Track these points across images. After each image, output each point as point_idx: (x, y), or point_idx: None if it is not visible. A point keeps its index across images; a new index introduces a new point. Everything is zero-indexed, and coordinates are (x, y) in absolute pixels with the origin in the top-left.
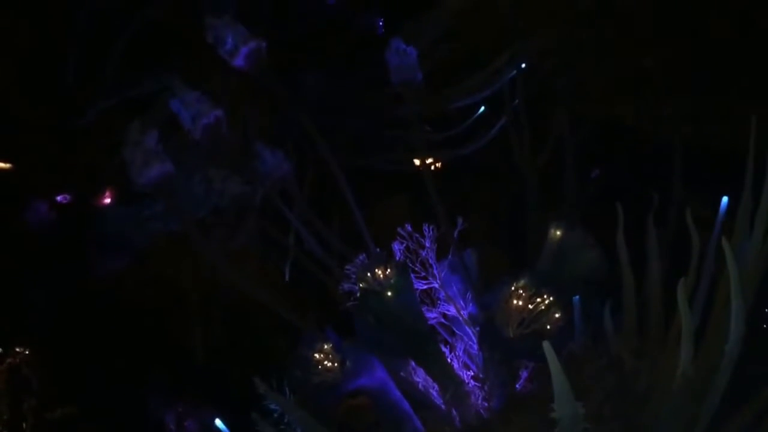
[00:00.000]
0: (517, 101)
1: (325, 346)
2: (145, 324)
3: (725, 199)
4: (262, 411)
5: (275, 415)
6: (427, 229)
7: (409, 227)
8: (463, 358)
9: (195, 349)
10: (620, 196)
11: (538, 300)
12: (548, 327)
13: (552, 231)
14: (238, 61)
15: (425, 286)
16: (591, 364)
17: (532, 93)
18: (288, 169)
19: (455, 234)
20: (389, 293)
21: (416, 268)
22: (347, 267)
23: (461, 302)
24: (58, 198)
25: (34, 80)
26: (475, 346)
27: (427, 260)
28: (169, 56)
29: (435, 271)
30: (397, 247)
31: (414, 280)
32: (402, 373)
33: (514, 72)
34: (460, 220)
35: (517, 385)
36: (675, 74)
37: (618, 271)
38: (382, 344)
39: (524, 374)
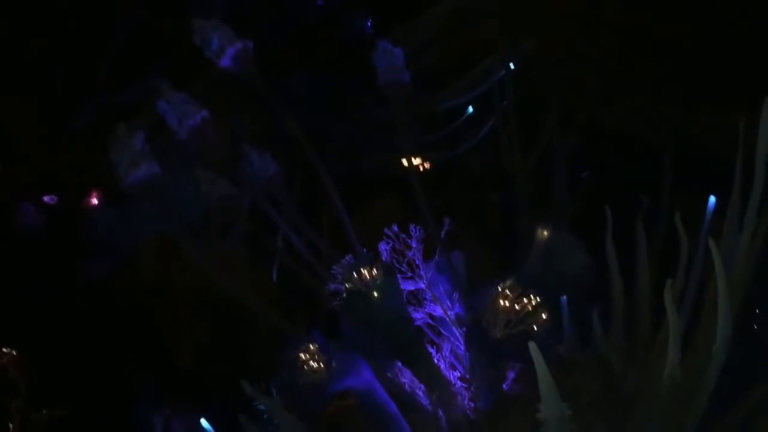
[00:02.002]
0: (505, 103)
1: (311, 347)
2: (133, 326)
3: (713, 198)
4: (250, 413)
5: (263, 416)
6: (413, 230)
7: (396, 228)
8: (449, 359)
9: (182, 351)
10: (609, 198)
11: (525, 301)
12: (535, 328)
13: (540, 232)
14: (225, 62)
15: (412, 287)
16: (578, 366)
17: (521, 95)
18: (275, 171)
19: (442, 235)
20: (375, 294)
21: (403, 269)
22: (333, 268)
23: (448, 303)
24: (46, 199)
25: (23, 83)
26: (462, 347)
27: (414, 261)
28: (157, 58)
29: (422, 272)
30: (383, 247)
31: (400, 281)
32: (388, 374)
33: (503, 73)
34: (447, 221)
35: (503, 386)
36: (665, 77)
37: (606, 273)
38: (368, 345)
39: (511, 375)
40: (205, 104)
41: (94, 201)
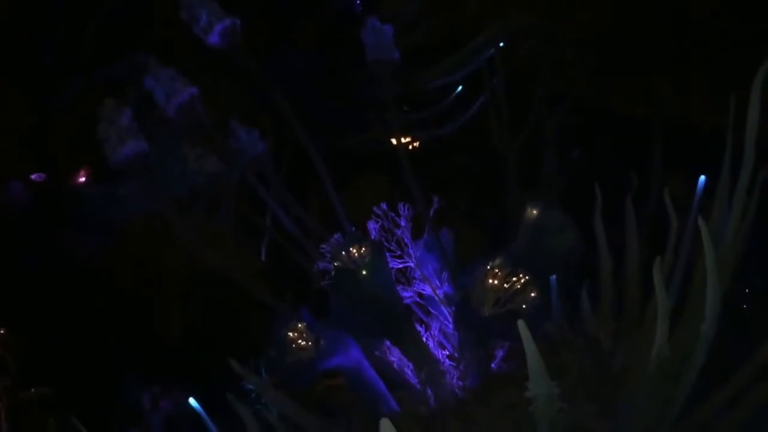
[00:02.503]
0: (495, 81)
1: (300, 326)
2: (121, 304)
3: (702, 178)
4: (239, 391)
5: (252, 395)
6: (402, 208)
7: (385, 206)
8: (438, 338)
9: (171, 329)
10: (599, 175)
11: (514, 279)
12: (524, 306)
13: (529, 210)
14: (213, 39)
15: (400, 266)
16: (567, 344)
17: (510, 72)
18: (263, 148)
19: (431, 213)
20: (364, 272)
21: (391, 247)
22: (322, 246)
23: (437, 281)
24: (33, 177)
25: (8, 58)
26: (451, 326)
27: (403, 239)
28: (144, 34)
29: (410, 250)
30: (372, 226)
31: (389, 259)
32: (377, 353)
33: (493, 51)
34: (436, 200)
35: (492, 365)
36: (656, 54)
37: (595, 251)
38: (356, 323)
39: (500, 354)
40: (193, 81)
41: (82, 178)
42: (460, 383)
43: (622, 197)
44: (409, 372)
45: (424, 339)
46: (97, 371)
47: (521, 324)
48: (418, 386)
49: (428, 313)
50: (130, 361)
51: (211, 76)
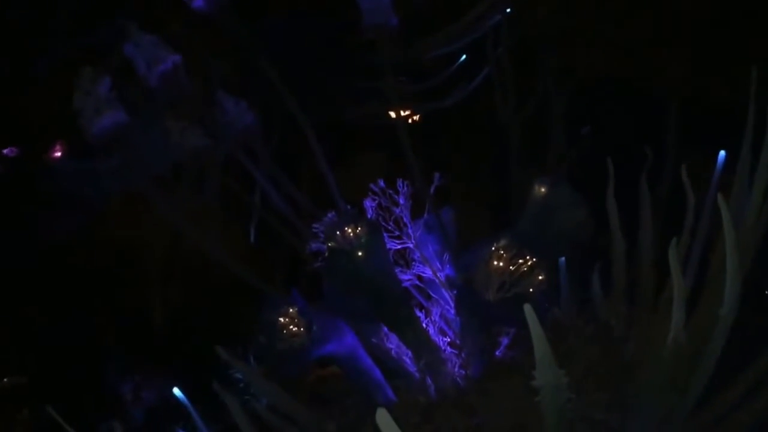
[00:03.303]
0: (501, 50)
1: (291, 310)
2: (100, 288)
3: (722, 153)
4: (225, 380)
5: (240, 384)
6: (401, 185)
7: (382, 183)
8: (439, 324)
9: (153, 314)
10: (611, 151)
11: (520, 261)
12: (530, 290)
13: (536, 188)
14: (198, 2)
15: (399, 246)
16: (576, 331)
17: (517, 41)
18: (252, 121)
19: (431, 190)
20: (359, 253)
21: (389, 227)
22: (315, 225)
23: (437, 264)
24: (5, 151)
25: None
26: (452, 311)
27: (401, 218)
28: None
29: (410, 230)
30: (368, 204)
31: (386, 240)
32: (373, 339)
33: (498, 18)
34: (436, 176)
35: (496, 353)
36: (672, 22)
37: (607, 231)
38: (351, 308)
39: (504, 341)
40: (177, 48)
41: (57, 153)
42: (462, 372)
43: (636, 174)
44: (408, 360)
45: (424, 325)
46: (75, 359)
47: (527, 308)
48: (417, 375)
49: (428, 298)
50: (110, 348)
51: (195, 42)
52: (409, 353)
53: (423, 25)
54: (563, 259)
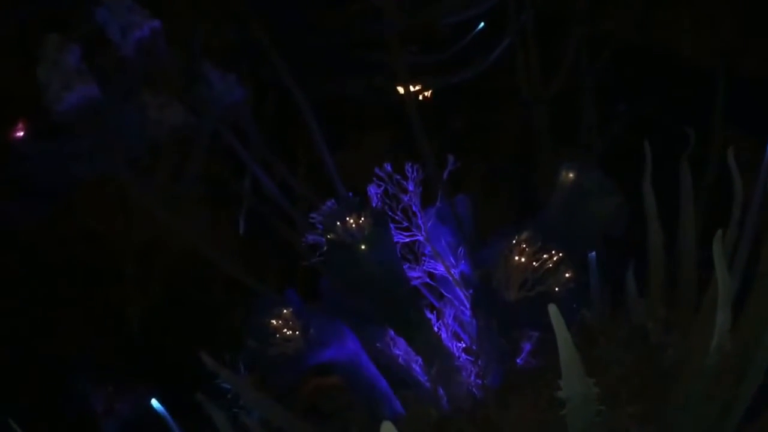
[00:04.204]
0: (524, 16)
1: (285, 311)
2: (69, 287)
3: None
4: (211, 391)
5: (228, 396)
6: (410, 170)
7: (388, 167)
8: (452, 327)
9: (128, 316)
10: (648, 132)
11: (545, 256)
12: (556, 289)
13: (563, 173)
14: None
15: (407, 239)
16: (608, 335)
17: (543, 6)
18: (242, 96)
19: (445, 175)
20: (363, 246)
21: (397, 217)
22: (312, 215)
23: (451, 259)
24: None
25: None
26: (468, 313)
27: (411, 207)
28: None
29: (420, 221)
30: (373, 191)
31: (393, 231)
32: (378, 345)
33: None
34: (450, 159)
35: (517, 360)
36: None
37: (644, 222)
38: (353, 309)
39: (527, 346)
40: (155, 12)
41: (18, 133)
42: (479, 382)
43: (676, 158)
44: (417, 368)
45: (436, 328)
46: (40, 367)
47: (553, 310)
48: (428, 385)
49: (441, 297)
50: (80, 354)
51: (177, 6)
52: (419, 360)
53: None
54: (594, 253)
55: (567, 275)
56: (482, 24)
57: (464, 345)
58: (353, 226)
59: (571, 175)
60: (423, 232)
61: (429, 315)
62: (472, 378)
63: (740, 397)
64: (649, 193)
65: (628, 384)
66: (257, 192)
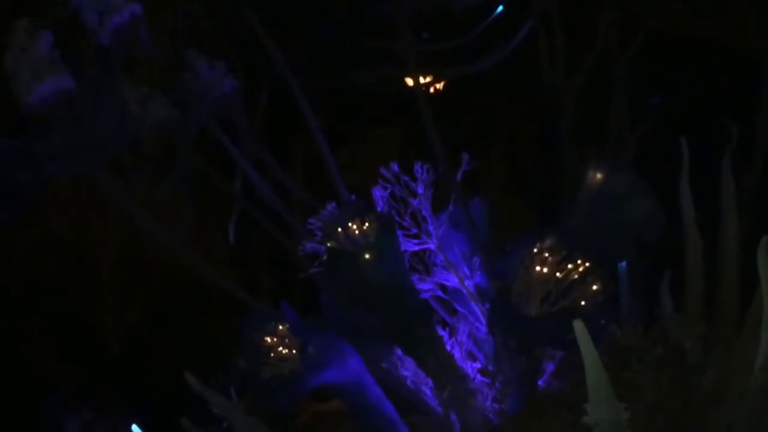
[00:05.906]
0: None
1: (279, 328)
2: (40, 300)
3: None
4: (197, 415)
5: (218, 422)
6: (420, 171)
7: (396, 167)
8: (467, 345)
9: (107, 333)
10: (686, 128)
11: (570, 267)
12: (583, 303)
13: (591, 174)
14: None
15: (417, 248)
16: (640, 354)
17: None
18: (232, 88)
19: (458, 176)
20: (367, 255)
21: (405, 223)
22: (310, 220)
23: (465, 269)
24: None
25: None
26: (484, 329)
27: (420, 212)
28: None
29: (430, 227)
30: (379, 193)
31: (401, 239)
32: (384, 365)
33: None
34: (465, 158)
35: (539, 382)
36: None
37: (680, 228)
38: (356, 325)
39: (549, 367)
40: None
41: None
42: (496, 406)
43: (717, 157)
44: (428, 391)
45: (448, 347)
46: (10, 389)
47: (579, 326)
48: (440, 410)
49: (454, 312)
50: (53, 377)
51: None
52: (430, 382)
53: None
54: (624, 264)
55: (594, 288)
56: (501, 7)
57: (480, 365)
58: (356, 232)
59: (599, 175)
60: (434, 240)
61: (440, 332)
62: (489, 402)
63: None
64: (687, 196)
65: (663, 409)
66: (249, 195)
